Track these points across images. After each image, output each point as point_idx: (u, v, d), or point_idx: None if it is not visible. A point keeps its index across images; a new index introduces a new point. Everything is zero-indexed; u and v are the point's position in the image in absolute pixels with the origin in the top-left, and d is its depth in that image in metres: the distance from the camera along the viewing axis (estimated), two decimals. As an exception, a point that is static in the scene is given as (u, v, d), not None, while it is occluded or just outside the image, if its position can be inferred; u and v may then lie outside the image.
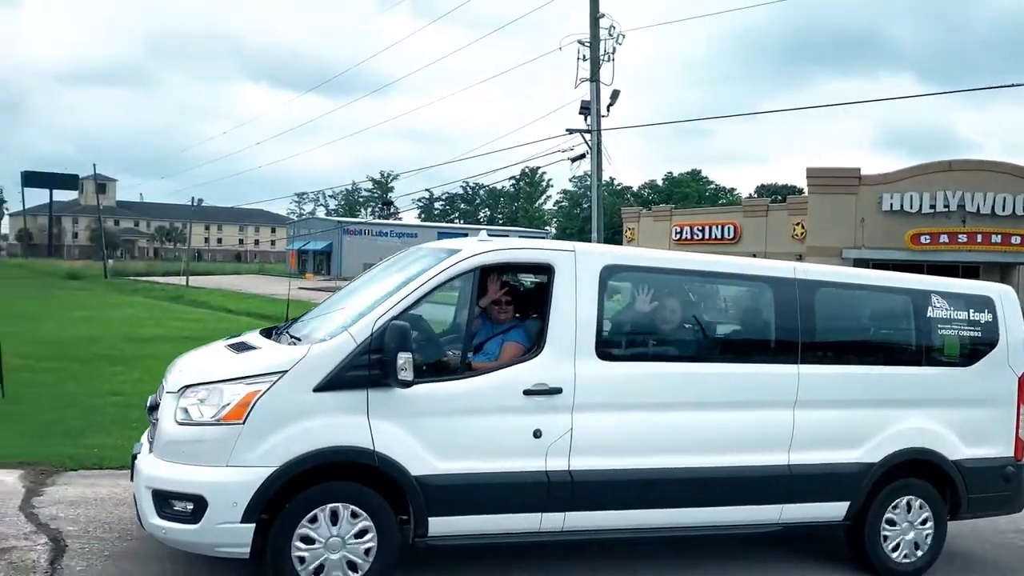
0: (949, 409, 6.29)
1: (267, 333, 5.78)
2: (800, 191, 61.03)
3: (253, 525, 4.68)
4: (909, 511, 6.17)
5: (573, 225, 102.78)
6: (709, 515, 5.68)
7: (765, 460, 5.73)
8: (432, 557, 5.49)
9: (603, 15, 20.65)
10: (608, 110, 20.60)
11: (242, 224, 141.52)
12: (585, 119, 20.63)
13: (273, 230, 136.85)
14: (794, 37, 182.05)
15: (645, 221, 55.98)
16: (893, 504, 6.12)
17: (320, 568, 4.82)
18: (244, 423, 4.72)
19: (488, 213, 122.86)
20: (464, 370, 5.27)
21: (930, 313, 6.34)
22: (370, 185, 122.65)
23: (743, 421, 5.70)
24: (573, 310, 5.34)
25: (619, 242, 49.91)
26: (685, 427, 5.55)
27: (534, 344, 5.38)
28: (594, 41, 20.73)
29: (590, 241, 18.16)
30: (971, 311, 6.48)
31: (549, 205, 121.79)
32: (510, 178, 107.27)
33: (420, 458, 4.96)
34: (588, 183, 25.63)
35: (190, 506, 4.68)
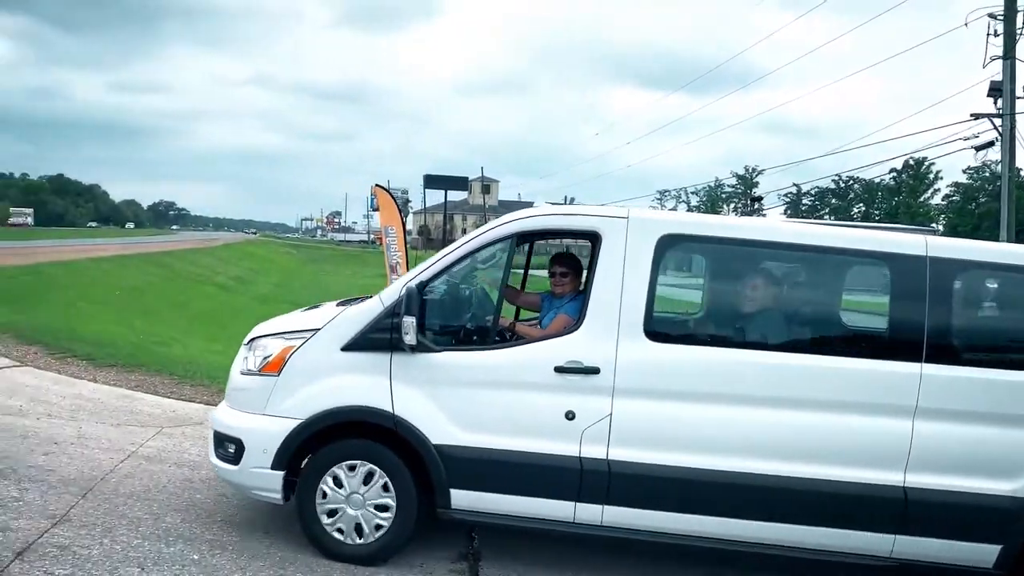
0: None
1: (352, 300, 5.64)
2: None
3: (282, 472, 4.91)
4: None
5: (966, 222, 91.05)
6: (790, 533, 4.72)
7: (868, 477, 4.64)
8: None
9: (1022, -18, 18.11)
10: (1025, 91, 18.05)
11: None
12: (995, 102, 18.27)
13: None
14: None
15: (1064, 218, 47.75)
16: None
17: (340, 523, 4.94)
18: (279, 375, 4.99)
19: (863, 208, 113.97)
20: (494, 340, 5.04)
21: None
22: (734, 181, 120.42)
23: (838, 427, 4.67)
24: (619, 282, 4.82)
25: (1027, 242, 43.20)
26: (758, 426, 4.70)
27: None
28: (1009, 13, 18.25)
29: (998, 240, 16.06)
30: None
31: (936, 200, 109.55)
32: (891, 171, 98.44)
33: (441, 427, 4.83)
34: (987, 175, 22.56)
35: (233, 448, 5.04)
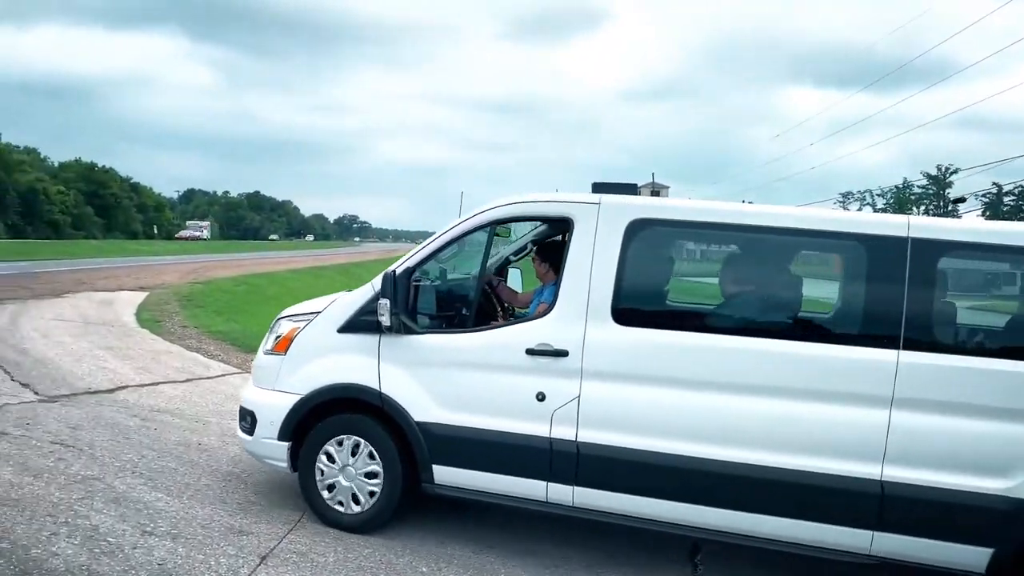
0: None
1: None
2: None
3: (287, 443, 5.34)
4: None
5: None
6: (763, 525, 4.58)
7: (842, 469, 4.43)
8: None
9: None
10: None
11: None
12: None
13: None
14: None
15: None
16: None
17: (339, 495, 5.32)
18: (286, 354, 5.42)
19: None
20: (473, 324, 5.25)
21: None
22: (924, 181, 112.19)
23: (808, 416, 4.50)
24: (588, 267, 4.90)
25: None
26: (727, 413, 4.60)
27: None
28: None
29: None
30: None
31: None
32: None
33: (423, 405, 5.08)
34: None
35: (249, 420, 5.51)
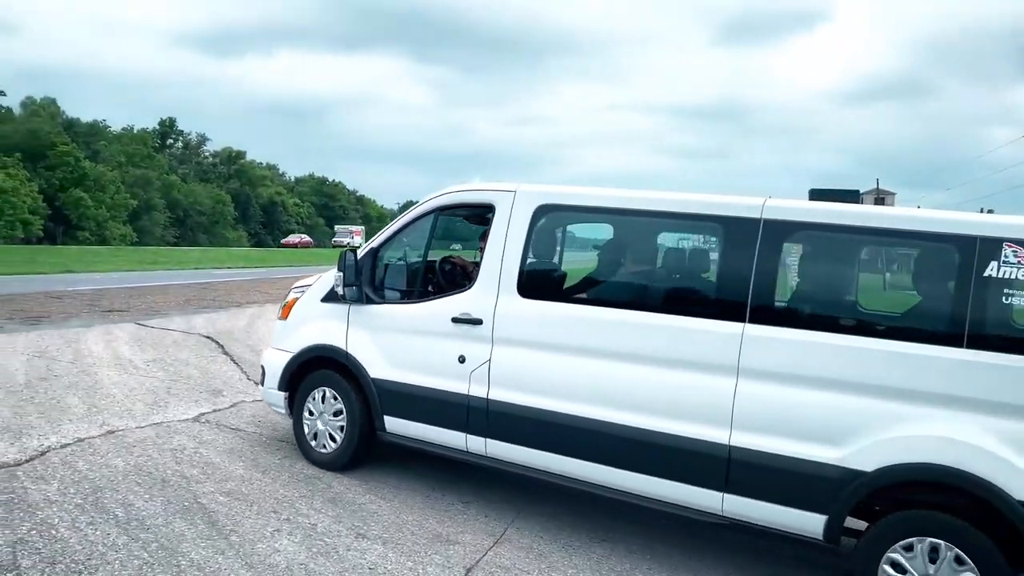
0: (1019, 420, 3.98)
1: None
2: None
3: (285, 393, 6.48)
4: (935, 560, 4.12)
5: None
6: (632, 481, 4.98)
7: (695, 432, 4.74)
8: None
9: None
10: None
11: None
12: None
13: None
14: None
15: None
16: (903, 543, 4.22)
17: (321, 439, 6.34)
18: (287, 319, 6.60)
19: None
20: (417, 296, 6.09)
21: (993, 271, 4.14)
22: None
23: (668, 382, 4.85)
24: (502, 246, 5.52)
25: None
26: (600, 376, 5.08)
27: None
28: None
29: None
30: None
31: None
32: None
33: (377, 364, 5.99)
34: None
35: (262, 374, 6.72)
